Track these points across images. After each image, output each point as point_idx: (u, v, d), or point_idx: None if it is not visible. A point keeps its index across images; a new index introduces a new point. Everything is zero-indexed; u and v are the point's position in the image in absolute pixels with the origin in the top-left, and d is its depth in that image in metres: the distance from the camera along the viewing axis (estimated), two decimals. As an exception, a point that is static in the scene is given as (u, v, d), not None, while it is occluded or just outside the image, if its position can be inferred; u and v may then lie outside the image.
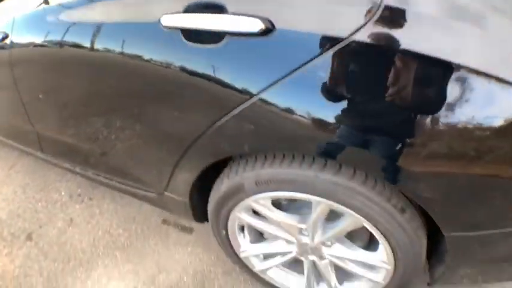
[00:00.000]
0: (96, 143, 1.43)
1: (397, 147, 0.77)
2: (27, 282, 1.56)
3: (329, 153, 0.85)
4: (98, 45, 1.10)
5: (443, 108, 0.70)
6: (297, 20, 0.80)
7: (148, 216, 1.81)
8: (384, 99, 0.74)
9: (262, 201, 1.05)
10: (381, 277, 1.09)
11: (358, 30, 0.72)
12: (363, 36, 0.72)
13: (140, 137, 1.25)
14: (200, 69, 0.91)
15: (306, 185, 0.92)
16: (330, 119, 0.78)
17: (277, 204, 1.10)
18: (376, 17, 0.72)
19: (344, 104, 0.77)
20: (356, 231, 1.06)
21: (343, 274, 1.21)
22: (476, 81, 0.68)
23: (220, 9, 0.85)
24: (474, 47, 0.71)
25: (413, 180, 0.81)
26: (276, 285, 1.33)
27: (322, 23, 0.78)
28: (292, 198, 0.99)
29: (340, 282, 1.22)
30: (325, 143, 0.84)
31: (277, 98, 0.82)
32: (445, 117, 0.70)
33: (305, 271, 1.23)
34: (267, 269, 1.30)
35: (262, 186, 1.00)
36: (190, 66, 0.92)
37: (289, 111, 0.82)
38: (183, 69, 0.93)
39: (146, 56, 1.00)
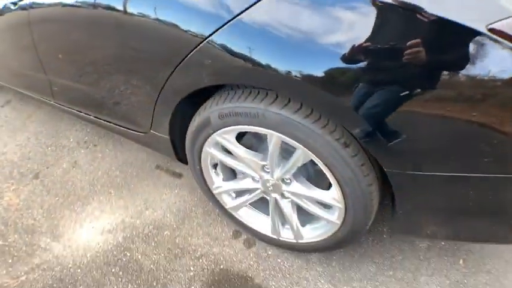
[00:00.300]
0: (97, 89, 1.56)
1: (333, 82, 0.84)
2: (29, 213, 1.74)
3: (269, 85, 0.96)
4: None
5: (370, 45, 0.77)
6: None
7: (144, 161, 1.95)
8: (316, 40, 0.82)
9: (226, 135, 1.15)
10: (335, 217, 1.16)
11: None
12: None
13: (129, 81, 1.36)
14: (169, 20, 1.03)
15: (258, 117, 1.01)
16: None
17: (249, 146, 1.20)
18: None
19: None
20: (318, 176, 1.14)
21: (305, 217, 1.29)
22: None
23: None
24: None
25: (349, 115, 0.88)
26: (246, 224, 1.44)
27: None
28: (250, 131, 1.09)
29: (303, 225, 1.30)
30: (262, 76, 0.93)
31: (226, 38, 0.93)
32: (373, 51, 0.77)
33: (270, 211, 1.33)
34: (238, 207, 1.41)
35: (224, 119, 1.09)
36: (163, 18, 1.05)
37: (236, 49, 0.91)
38: (157, 20, 1.06)
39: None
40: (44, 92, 1.88)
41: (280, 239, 1.37)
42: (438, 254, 1.40)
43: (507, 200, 0.95)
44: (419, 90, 0.80)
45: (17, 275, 1.47)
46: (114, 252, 1.52)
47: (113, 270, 1.46)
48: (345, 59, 0.80)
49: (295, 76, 0.86)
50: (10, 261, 1.53)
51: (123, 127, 1.60)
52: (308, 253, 1.43)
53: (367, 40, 0.77)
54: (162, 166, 1.91)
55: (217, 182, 1.38)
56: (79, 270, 1.47)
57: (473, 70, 0.75)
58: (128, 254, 1.51)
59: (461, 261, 1.38)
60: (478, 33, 0.74)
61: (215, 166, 1.36)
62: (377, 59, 0.79)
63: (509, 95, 0.76)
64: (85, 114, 1.77)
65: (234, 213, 1.45)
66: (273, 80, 0.91)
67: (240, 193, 1.39)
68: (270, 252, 1.46)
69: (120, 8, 1.15)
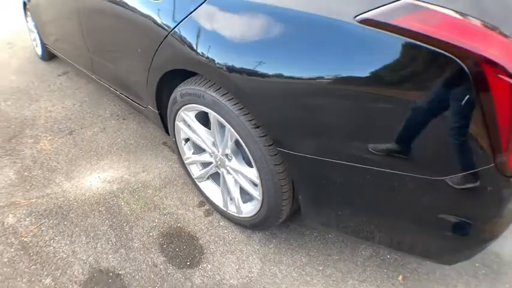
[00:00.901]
0: (116, 67, 1.96)
1: (240, 73, 1.10)
2: (55, 158, 2.20)
3: (202, 72, 1.24)
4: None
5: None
6: None
7: (155, 137, 2.33)
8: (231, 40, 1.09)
9: (188, 112, 1.46)
10: (258, 193, 1.36)
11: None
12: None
13: (132, 63, 1.72)
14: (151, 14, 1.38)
15: (201, 97, 1.30)
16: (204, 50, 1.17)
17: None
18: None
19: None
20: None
21: (245, 196, 1.51)
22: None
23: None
24: None
25: (245, 95, 1.11)
26: (207, 195, 1.71)
27: None
28: (199, 109, 1.38)
29: (244, 202, 1.53)
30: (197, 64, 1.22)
31: (180, 32, 1.25)
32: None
33: (220, 184, 1.59)
34: (201, 178, 1.70)
35: (183, 98, 1.40)
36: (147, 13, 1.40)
37: (187, 42, 1.22)
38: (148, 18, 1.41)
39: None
40: (88, 67, 2.35)
41: (228, 211, 1.62)
42: (378, 265, 1.48)
43: (403, 201, 1.01)
44: (300, 80, 0.96)
45: (29, 198, 1.90)
46: (106, 197, 1.89)
47: (99, 208, 1.82)
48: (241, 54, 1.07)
49: (218, 66, 1.13)
50: (28, 187, 1.97)
51: (134, 101, 1.99)
52: (252, 231, 1.65)
53: (254, 37, 1.02)
54: (167, 143, 2.27)
55: (188, 154, 1.69)
56: (75, 203, 1.86)
57: (347, 62, 0.87)
58: (115, 200, 1.87)
59: (400, 277, 1.43)
60: (348, 25, 0.85)
61: (187, 140, 1.67)
62: (259, 57, 1.03)
63: (384, 83, 0.86)
64: (113, 89, 2.20)
65: (199, 185, 1.74)
66: (205, 68, 1.20)
67: (203, 165, 1.68)
68: (221, 223, 1.71)
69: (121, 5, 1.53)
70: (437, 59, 0.81)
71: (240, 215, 1.55)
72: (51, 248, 1.63)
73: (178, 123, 1.56)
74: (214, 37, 1.14)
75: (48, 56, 3.42)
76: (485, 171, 0.88)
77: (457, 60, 0.78)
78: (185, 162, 1.72)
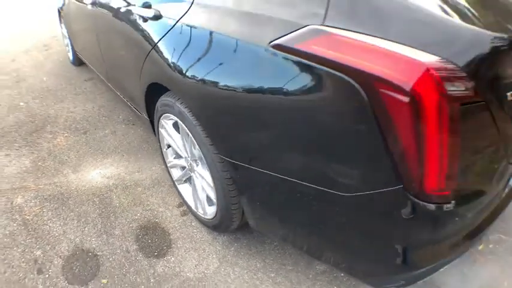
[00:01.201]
0: (122, 78, 2.25)
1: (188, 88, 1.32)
2: (67, 153, 2.52)
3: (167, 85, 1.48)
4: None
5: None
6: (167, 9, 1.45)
7: (156, 142, 2.58)
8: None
9: (167, 120, 1.70)
10: (214, 196, 1.53)
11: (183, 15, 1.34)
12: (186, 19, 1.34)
13: (129, 73, 2.00)
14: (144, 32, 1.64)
15: (171, 108, 1.54)
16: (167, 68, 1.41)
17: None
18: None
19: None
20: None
21: (210, 200, 1.68)
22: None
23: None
24: None
25: (195, 107, 1.33)
26: (183, 196, 1.93)
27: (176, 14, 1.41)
28: (173, 119, 1.62)
29: (210, 205, 1.71)
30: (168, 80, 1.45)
31: (158, 50, 1.49)
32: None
33: (191, 187, 1.81)
34: (179, 181, 1.93)
35: (162, 107, 1.65)
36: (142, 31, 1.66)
37: (158, 59, 1.47)
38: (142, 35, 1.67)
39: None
40: (104, 75, 2.69)
41: (197, 212, 1.83)
42: (329, 281, 1.55)
43: (324, 215, 1.05)
44: (231, 96, 1.13)
45: (38, 184, 2.21)
46: (102, 190, 2.16)
47: (94, 199, 2.09)
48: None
49: (178, 82, 1.36)
50: (39, 175, 2.29)
51: (135, 108, 2.27)
52: (218, 234, 1.84)
53: (200, 58, 1.25)
54: (165, 149, 2.53)
55: (170, 158, 1.93)
56: (75, 192, 2.14)
57: (265, 82, 0.98)
58: (108, 193, 2.13)
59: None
60: (263, 50, 0.94)
61: (169, 146, 1.91)
62: (202, 75, 1.24)
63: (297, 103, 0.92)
64: (122, 96, 2.50)
65: (178, 187, 1.96)
66: (170, 83, 1.44)
67: (182, 169, 1.91)
68: (193, 224, 1.92)
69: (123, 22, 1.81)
70: (335, 80, 0.84)
71: (205, 217, 1.75)
72: (47, 226, 1.91)
73: (161, 130, 1.81)
74: (175, 57, 1.37)
75: (78, 61, 3.73)
76: (392, 193, 0.86)
77: (351, 80, 0.80)
78: (168, 165, 1.96)
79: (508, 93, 1.00)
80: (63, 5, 3.37)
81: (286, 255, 1.70)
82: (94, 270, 1.67)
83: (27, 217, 1.97)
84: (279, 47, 0.93)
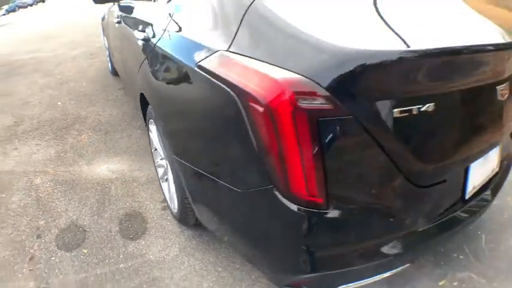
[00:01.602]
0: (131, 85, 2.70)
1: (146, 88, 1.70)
2: (86, 148, 2.99)
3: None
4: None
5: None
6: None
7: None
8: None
9: (152, 124, 2.07)
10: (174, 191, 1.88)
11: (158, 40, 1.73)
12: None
13: (133, 80, 2.42)
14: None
15: (152, 113, 1.91)
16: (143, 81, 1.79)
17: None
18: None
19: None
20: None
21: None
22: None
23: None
24: None
25: (157, 112, 1.70)
26: (164, 192, 2.28)
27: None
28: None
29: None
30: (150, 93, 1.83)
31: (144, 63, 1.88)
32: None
33: (168, 185, 2.15)
34: (162, 179, 2.28)
35: (148, 114, 2.03)
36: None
37: (143, 74, 1.86)
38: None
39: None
40: (126, 84, 3.16)
41: (170, 206, 2.16)
42: (268, 284, 1.65)
43: (235, 210, 1.20)
44: (176, 105, 1.51)
45: (56, 170, 2.68)
46: (105, 181, 2.58)
47: (97, 187, 2.51)
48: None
49: (151, 92, 1.74)
50: (59, 163, 2.77)
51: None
52: (186, 228, 2.14)
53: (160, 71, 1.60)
54: (167, 154, 2.93)
55: (157, 159, 2.30)
56: (83, 180, 2.58)
57: (195, 94, 1.27)
58: (109, 184, 2.54)
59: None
60: (192, 70, 1.18)
61: (156, 148, 2.28)
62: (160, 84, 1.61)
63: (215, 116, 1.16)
64: (135, 108, 2.94)
65: (161, 184, 2.32)
66: (145, 90, 1.81)
67: (163, 168, 2.26)
68: (168, 218, 2.24)
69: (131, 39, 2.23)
70: (227, 94, 1.00)
71: (174, 211, 2.08)
72: (54, 204, 2.34)
73: (150, 134, 2.19)
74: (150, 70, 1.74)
75: (115, 71, 4.14)
76: (265, 192, 0.96)
77: (235, 95, 0.96)
78: (155, 165, 2.33)
79: (395, 110, 0.97)
80: (104, 18, 3.81)
81: (238, 255, 1.80)
82: (80, 241, 2.05)
83: (41, 195, 2.42)
84: (200, 67, 1.14)
